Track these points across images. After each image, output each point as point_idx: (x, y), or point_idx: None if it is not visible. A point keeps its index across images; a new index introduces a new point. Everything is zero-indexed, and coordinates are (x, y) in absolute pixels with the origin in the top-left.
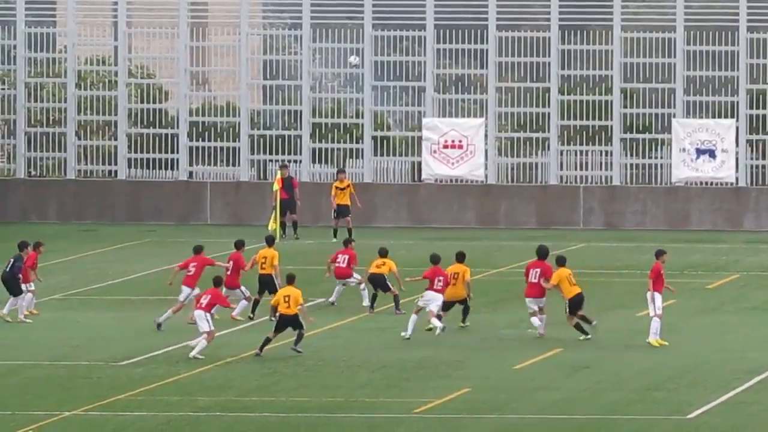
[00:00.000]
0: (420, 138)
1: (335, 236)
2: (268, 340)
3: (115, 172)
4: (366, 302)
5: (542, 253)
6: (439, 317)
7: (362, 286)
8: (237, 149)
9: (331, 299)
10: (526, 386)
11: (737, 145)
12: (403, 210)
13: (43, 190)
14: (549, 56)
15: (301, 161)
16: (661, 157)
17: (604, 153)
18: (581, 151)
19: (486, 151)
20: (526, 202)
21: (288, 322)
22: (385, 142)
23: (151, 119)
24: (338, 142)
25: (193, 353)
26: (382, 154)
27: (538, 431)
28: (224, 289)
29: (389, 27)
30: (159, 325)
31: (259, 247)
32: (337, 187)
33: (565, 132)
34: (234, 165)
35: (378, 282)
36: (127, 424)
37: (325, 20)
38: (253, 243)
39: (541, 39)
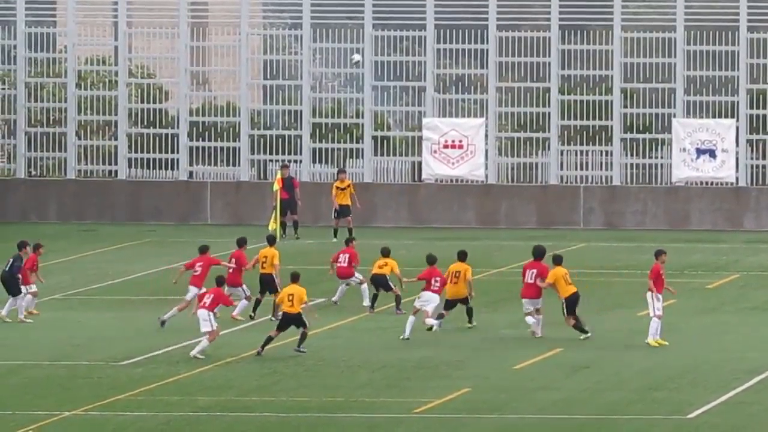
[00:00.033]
0: (420, 138)
1: (335, 236)
2: (270, 339)
3: (116, 172)
4: (366, 302)
5: (538, 254)
6: (441, 316)
7: (363, 285)
8: (237, 149)
9: (333, 299)
10: (526, 386)
11: (737, 144)
12: (403, 210)
13: (43, 190)
14: (549, 56)
15: (301, 161)
16: (662, 157)
17: (604, 153)
18: (581, 151)
19: (486, 151)
20: (527, 202)
21: (291, 320)
22: (385, 142)
23: (152, 119)
24: (338, 142)
25: (193, 352)
26: (382, 154)
27: (538, 431)
28: (226, 288)
29: (389, 27)
30: (163, 323)
31: (259, 247)
32: (337, 187)
33: (566, 132)
34: (234, 165)
35: (380, 282)
36: (127, 424)
37: (325, 20)
38: (254, 243)
39: (542, 39)
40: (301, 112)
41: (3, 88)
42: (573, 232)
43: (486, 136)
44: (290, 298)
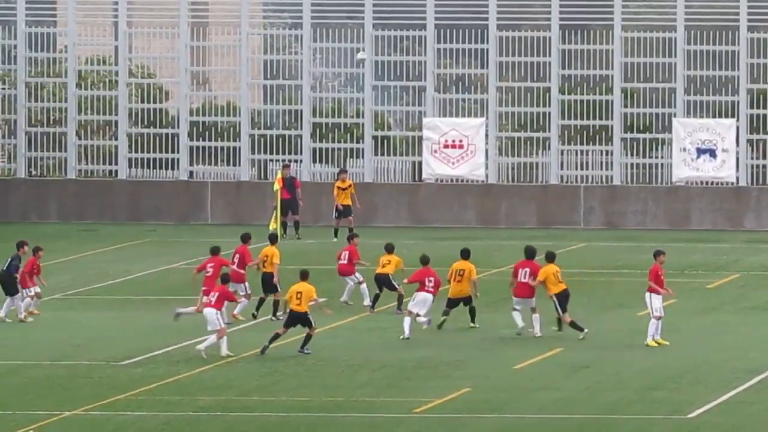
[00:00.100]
0: (420, 138)
1: (336, 236)
2: (276, 336)
3: (116, 171)
4: (367, 301)
5: (530, 254)
6: (446, 313)
7: (363, 285)
8: (237, 149)
9: (343, 299)
10: (526, 386)
11: (738, 144)
12: (403, 210)
13: (43, 190)
14: (549, 56)
15: (301, 161)
16: (662, 157)
17: (604, 152)
18: (582, 151)
19: (486, 151)
20: (527, 201)
21: (298, 319)
22: (385, 141)
23: (152, 119)
24: (339, 141)
25: (200, 346)
26: (382, 154)
27: (538, 431)
28: (230, 284)
29: (390, 27)
30: (178, 315)
31: (261, 247)
32: (339, 188)
33: (566, 132)
34: (234, 165)
35: (383, 281)
36: (127, 423)
37: (325, 20)
38: (255, 243)
39: (542, 39)
40: (301, 111)
41: (3, 88)
42: (573, 232)
43: (486, 135)
44: (298, 296)
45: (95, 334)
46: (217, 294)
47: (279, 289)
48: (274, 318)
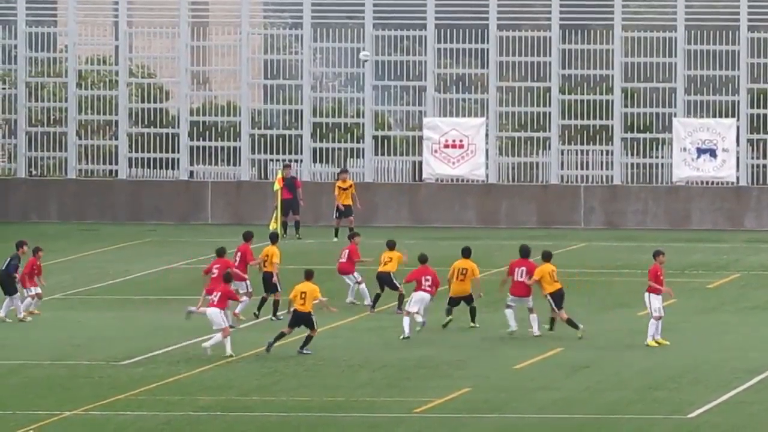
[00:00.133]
0: (421, 137)
1: (336, 236)
2: (282, 335)
3: (116, 171)
4: (367, 301)
5: (525, 253)
6: (449, 311)
7: (361, 285)
8: (238, 149)
9: (348, 299)
10: (527, 386)
11: (738, 144)
12: (403, 209)
13: (43, 190)
14: (550, 56)
15: (301, 161)
16: (662, 157)
17: (604, 152)
18: (582, 151)
19: (487, 151)
20: (527, 201)
21: (301, 319)
22: (385, 141)
23: (152, 119)
24: (339, 141)
25: (206, 344)
26: (382, 154)
27: (539, 431)
28: (232, 283)
29: (390, 26)
30: (189, 313)
31: (262, 247)
32: (340, 187)
33: (566, 131)
34: (235, 164)
35: (384, 280)
36: (127, 423)
37: (325, 20)
38: (255, 242)
39: (542, 38)
40: (301, 111)
41: (4, 88)
42: (573, 232)
43: (486, 135)
44: (302, 295)
45: (95, 334)
46: (219, 293)
47: (279, 289)
48: (274, 318)
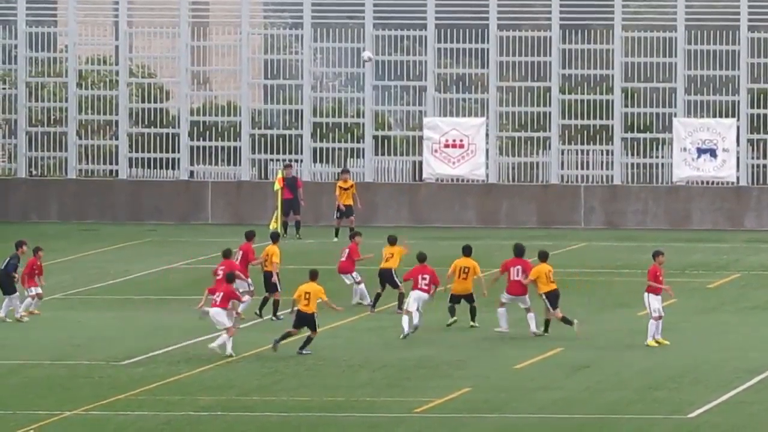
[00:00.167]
0: (421, 137)
1: (336, 236)
2: (289, 334)
3: (116, 171)
4: (367, 300)
5: (519, 252)
6: (452, 310)
7: (360, 286)
8: (238, 149)
9: (354, 300)
10: (527, 386)
11: (738, 144)
12: (404, 209)
13: (44, 190)
14: (550, 55)
15: (302, 161)
16: (662, 157)
17: (605, 152)
18: (582, 151)
19: (487, 151)
20: (527, 201)
21: (304, 320)
22: (386, 141)
23: (152, 119)
24: (339, 141)
25: (212, 344)
26: (383, 154)
27: (539, 431)
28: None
29: (390, 26)
30: (205, 314)
31: (264, 246)
32: (341, 187)
33: (566, 131)
34: (235, 164)
35: (386, 277)
36: (127, 423)
37: (325, 20)
38: (256, 242)
39: (542, 38)
40: (301, 111)
41: (4, 88)
42: (574, 232)
43: (487, 135)
44: (306, 296)
45: (95, 333)
46: (222, 294)
47: (279, 289)
48: (274, 318)
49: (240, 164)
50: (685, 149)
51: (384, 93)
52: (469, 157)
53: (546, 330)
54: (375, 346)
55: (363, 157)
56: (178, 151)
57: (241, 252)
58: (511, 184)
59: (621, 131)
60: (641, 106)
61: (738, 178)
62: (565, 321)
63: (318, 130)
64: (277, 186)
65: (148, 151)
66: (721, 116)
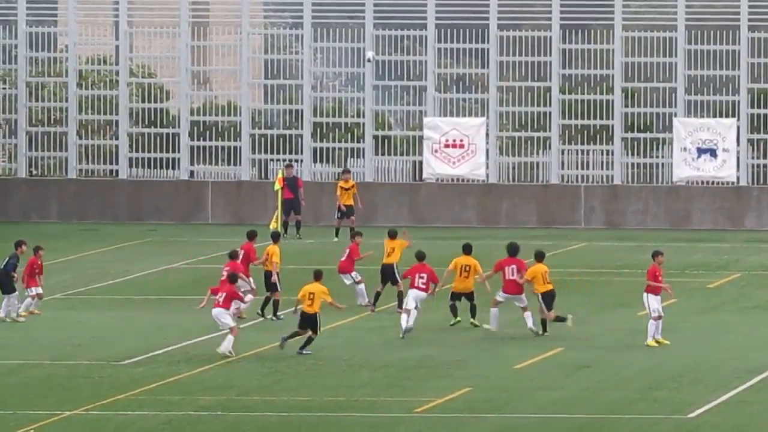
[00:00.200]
0: (421, 137)
1: (337, 235)
2: (296, 334)
3: (116, 171)
4: (366, 300)
5: (514, 250)
6: (454, 309)
7: (360, 286)
8: (238, 148)
9: (359, 302)
10: (527, 386)
11: (738, 144)
12: (404, 209)
13: (44, 190)
14: (550, 55)
15: (302, 161)
16: (663, 157)
17: (605, 152)
18: (582, 151)
19: (487, 151)
20: (527, 201)
21: (307, 321)
22: (386, 141)
23: (153, 119)
24: (339, 141)
25: (221, 350)
26: (383, 154)
27: (539, 431)
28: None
29: (390, 26)
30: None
31: (265, 246)
32: (342, 188)
33: (567, 131)
34: (235, 164)
35: (388, 272)
36: (128, 423)
37: (326, 19)
38: (257, 241)
39: (542, 38)
40: (302, 111)
41: (4, 88)
42: (574, 232)
43: (487, 135)
44: (311, 296)
45: (96, 333)
46: (224, 294)
47: (279, 288)
48: (274, 318)
49: (240, 164)
50: (685, 149)
51: (384, 93)
52: (470, 157)
53: (545, 330)
54: (375, 345)
55: (363, 157)
56: (179, 151)
57: (243, 252)
58: (511, 184)
59: (621, 131)
60: (641, 106)
61: (738, 178)
62: (559, 319)
63: (318, 130)
64: (277, 186)
65: (149, 151)
66: (721, 116)
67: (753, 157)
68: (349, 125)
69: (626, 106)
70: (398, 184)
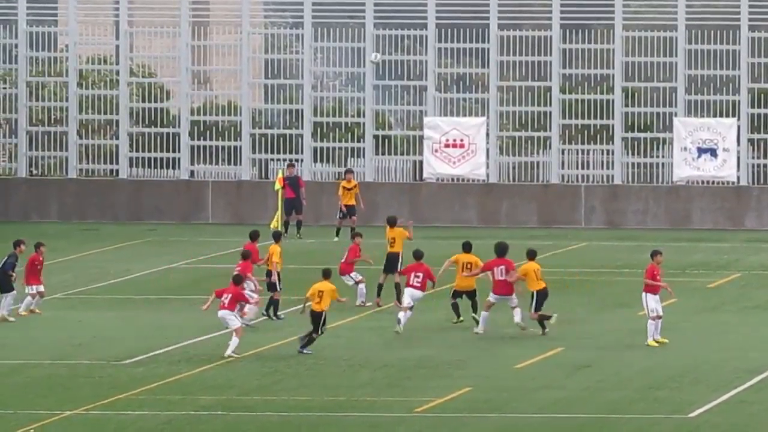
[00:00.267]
0: (421, 137)
1: (337, 235)
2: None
3: (117, 171)
4: (362, 301)
5: (502, 251)
6: (456, 308)
7: (360, 285)
8: (238, 148)
9: (366, 303)
10: (527, 385)
11: (738, 144)
12: (404, 209)
13: (44, 190)
14: (550, 55)
15: (302, 160)
16: (663, 156)
17: (605, 152)
18: (582, 150)
19: (487, 150)
20: (528, 201)
21: (313, 319)
22: (386, 141)
23: (153, 118)
24: (340, 141)
25: (227, 352)
26: (383, 153)
27: (539, 430)
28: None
29: (391, 26)
30: (246, 324)
31: (267, 245)
32: (344, 188)
33: (567, 131)
34: (235, 164)
35: (393, 262)
36: (128, 423)
37: (326, 19)
38: (259, 242)
39: (543, 38)
40: (302, 111)
41: (4, 88)
42: (574, 231)
43: (487, 135)
44: (320, 294)
45: (96, 333)
46: (230, 296)
47: (279, 288)
48: (274, 318)
49: (240, 164)
50: (685, 149)
51: (384, 93)
52: (470, 157)
53: (544, 330)
54: (375, 345)
55: (363, 156)
56: (179, 151)
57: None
58: (511, 183)
59: (621, 131)
60: (641, 106)
61: (738, 178)
62: (543, 318)
63: (318, 130)
64: (278, 185)
65: (149, 151)
66: (721, 116)
67: (753, 157)
68: (349, 125)
69: (626, 105)
70: (398, 184)
